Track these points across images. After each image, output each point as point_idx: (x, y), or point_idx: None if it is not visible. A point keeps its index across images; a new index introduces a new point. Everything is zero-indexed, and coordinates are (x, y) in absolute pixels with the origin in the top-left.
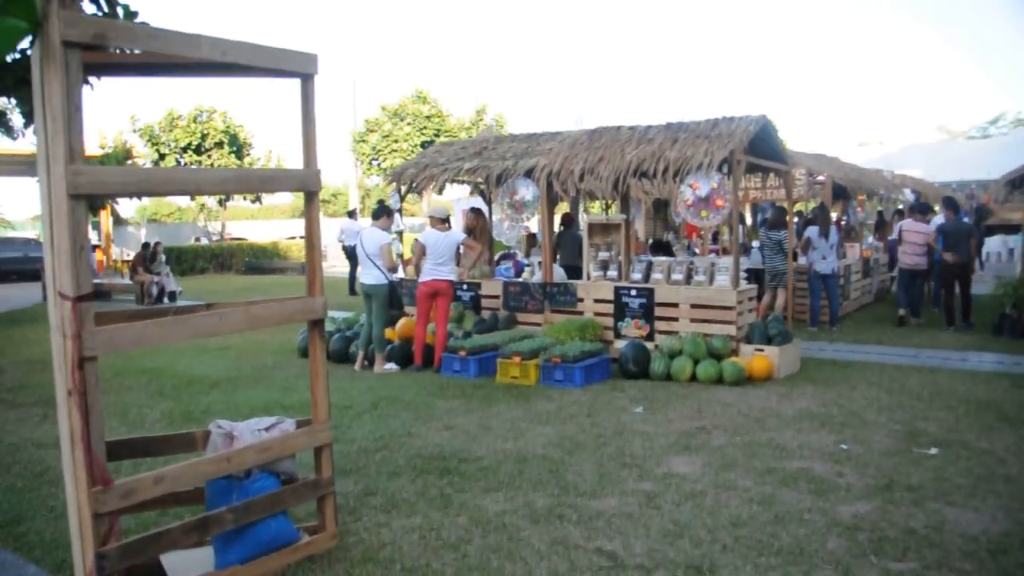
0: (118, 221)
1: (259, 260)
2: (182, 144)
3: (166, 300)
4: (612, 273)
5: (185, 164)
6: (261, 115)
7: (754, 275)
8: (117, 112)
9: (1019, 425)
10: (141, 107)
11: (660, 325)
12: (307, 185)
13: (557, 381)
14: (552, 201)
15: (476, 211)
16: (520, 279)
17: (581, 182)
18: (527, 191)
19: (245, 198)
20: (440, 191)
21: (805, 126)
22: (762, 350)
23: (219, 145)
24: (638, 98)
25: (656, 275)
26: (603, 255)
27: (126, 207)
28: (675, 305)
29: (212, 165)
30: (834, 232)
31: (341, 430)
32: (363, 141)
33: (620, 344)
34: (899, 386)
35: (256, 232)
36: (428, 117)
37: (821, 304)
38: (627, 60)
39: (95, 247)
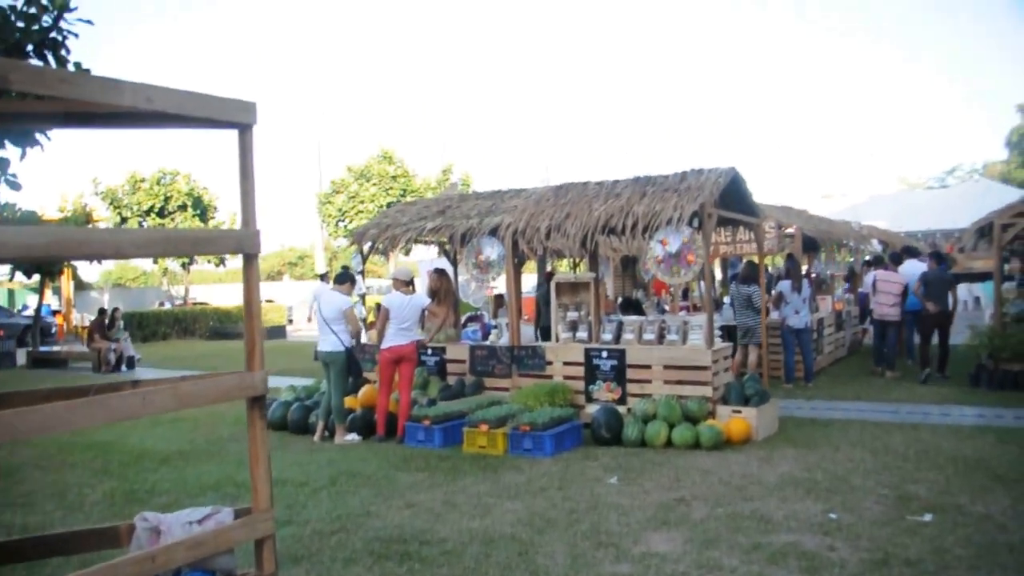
0: (80, 286)
1: (224, 325)
2: (145, 207)
3: (124, 368)
4: (582, 334)
5: (148, 227)
6: (226, 177)
7: (726, 332)
8: (79, 174)
9: (1012, 485)
10: (104, 169)
11: (633, 388)
12: (244, 247)
13: (526, 450)
14: (520, 260)
15: (440, 272)
16: (487, 342)
17: (548, 240)
18: (492, 250)
19: (208, 261)
20: (407, 252)
21: (769, 179)
22: (739, 411)
23: (183, 208)
24: (605, 152)
25: (627, 335)
26: (572, 315)
27: (89, 271)
28: (648, 367)
29: (176, 228)
30: (806, 285)
31: (295, 510)
32: (329, 202)
33: (592, 409)
34: (883, 445)
35: (222, 296)
36: (394, 177)
37: (795, 360)
38: (593, 114)
39: (54, 312)
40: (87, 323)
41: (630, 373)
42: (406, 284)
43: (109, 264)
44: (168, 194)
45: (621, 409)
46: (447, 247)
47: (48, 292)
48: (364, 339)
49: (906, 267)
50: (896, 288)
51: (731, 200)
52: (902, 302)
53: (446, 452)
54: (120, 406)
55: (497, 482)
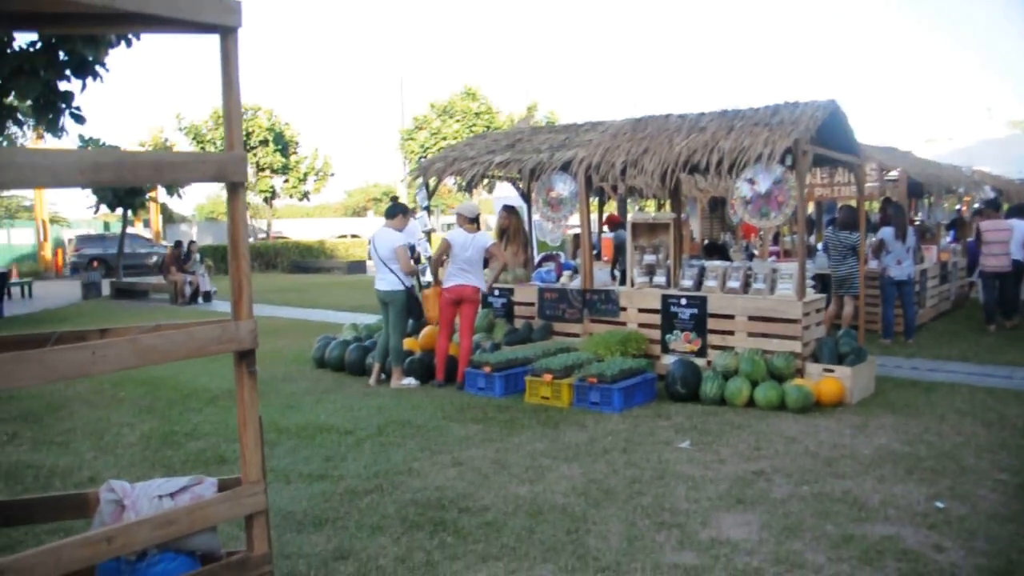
0: (170, 218)
1: (305, 259)
2: None
3: (200, 301)
4: (659, 279)
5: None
6: (311, 114)
7: (819, 281)
8: (164, 111)
9: None
10: (189, 106)
11: (713, 339)
12: (227, 173)
13: (593, 404)
14: (599, 199)
15: (509, 209)
16: (557, 284)
17: (624, 177)
18: (564, 187)
19: (291, 196)
20: (490, 189)
21: (869, 121)
22: (832, 371)
23: (264, 143)
24: (695, 90)
25: (709, 282)
26: (649, 259)
27: (183, 204)
28: (731, 317)
29: (257, 163)
30: (911, 233)
31: (333, 463)
32: (411, 139)
33: (668, 360)
34: (997, 417)
35: (306, 230)
36: (477, 114)
37: (895, 313)
38: (683, 51)
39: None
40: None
41: (711, 323)
42: (470, 221)
43: (201, 197)
44: (250, 129)
45: (700, 362)
46: (520, 183)
47: (140, 225)
48: (427, 278)
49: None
50: (1004, 236)
51: (829, 138)
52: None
53: (506, 402)
54: (64, 363)
55: (556, 440)
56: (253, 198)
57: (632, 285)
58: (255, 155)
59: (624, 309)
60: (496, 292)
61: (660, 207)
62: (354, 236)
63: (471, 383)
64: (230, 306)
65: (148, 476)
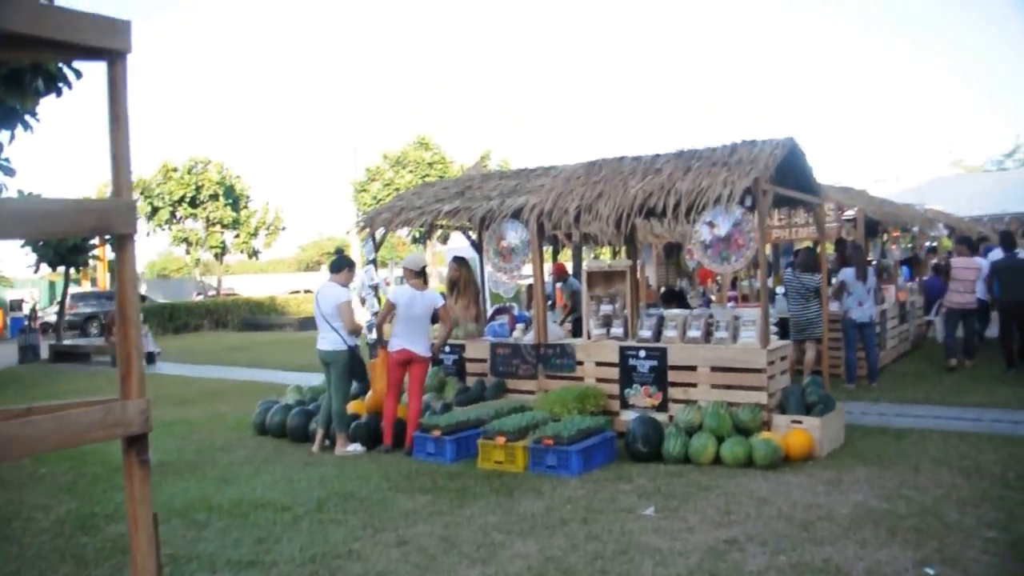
0: None
1: (255, 316)
2: (176, 196)
3: (143, 363)
4: (616, 330)
5: (180, 217)
6: (260, 166)
7: (779, 325)
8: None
9: None
10: (135, 160)
11: (675, 392)
12: (112, 224)
13: (550, 468)
14: (553, 248)
15: (459, 260)
16: (510, 339)
17: (578, 223)
18: (516, 235)
19: (242, 251)
20: (444, 240)
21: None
22: (800, 422)
23: (214, 197)
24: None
25: (669, 332)
26: (605, 309)
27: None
28: (693, 368)
29: (207, 218)
30: (871, 274)
31: (265, 546)
32: (364, 191)
33: (628, 416)
34: (973, 465)
35: (257, 286)
36: (430, 163)
37: (857, 357)
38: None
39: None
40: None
41: (672, 376)
42: (416, 275)
43: (153, 255)
44: (200, 183)
45: (662, 417)
46: (471, 232)
47: (87, 284)
48: (372, 336)
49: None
50: (972, 275)
51: (788, 176)
52: (988, 288)
53: (458, 468)
54: None
55: (511, 511)
56: (203, 254)
57: (588, 337)
58: (205, 209)
59: (580, 363)
60: (447, 348)
61: (616, 254)
62: (307, 291)
63: (420, 448)
64: (176, 367)
65: (55, 570)
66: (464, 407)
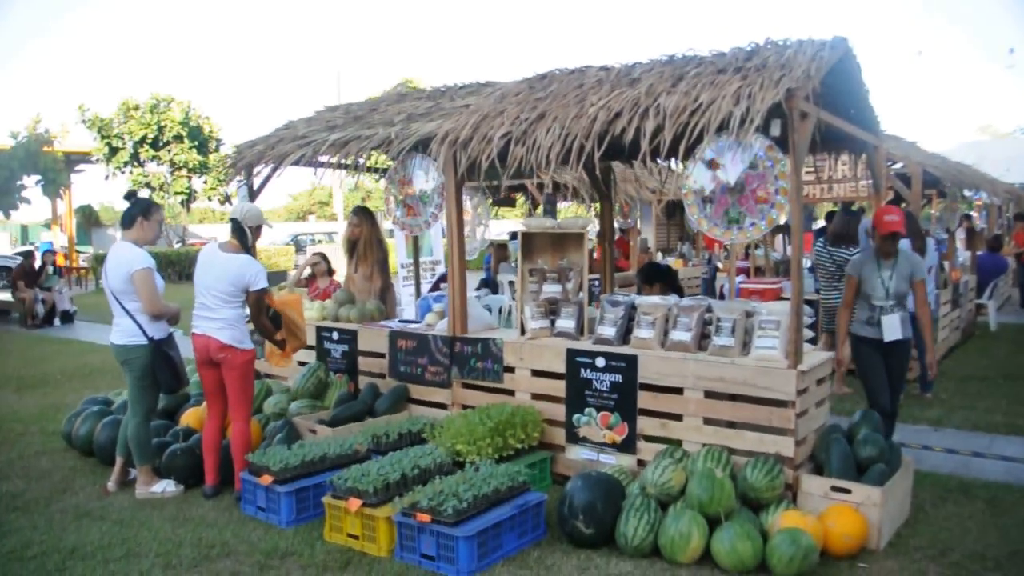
0: (94, 222)
1: None
2: (137, 136)
3: (57, 321)
4: (566, 323)
5: (142, 160)
6: (236, 104)
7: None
8: (66, 101)
9: None
10: (93, 96)
11: (648, 425)
12: None
13: (425, 558)
14: (498, 196)
15: (361, 212)
16: (416, 326)
17: (504, 162)
18: (426, 177)
19: (210, 198)
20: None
21: None
22: (847, 490)
23: (178, 139)
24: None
25: (643, 331)
26: (550, 290)
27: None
28: (677, 391)
29: (171, 161)
30: (931, 248)
31: None
32: None
33: (576, 454)
34: None
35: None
36: None
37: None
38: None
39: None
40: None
41: (645, 399)
42: (236, 233)
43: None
44: (161, 123)
45: (626, 461)
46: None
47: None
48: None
49: None
50: None
51: (834, 101)
52: None
53: (295, 537)
54: None
55: None
56: (169, 200)
57: (523, 333)
58: (168, 152)
59: (510, 370)
60: (334, 335)
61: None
62: (287, 244)
63: (248, 497)
64: (95, 329)
65: None
66: (338, 426)
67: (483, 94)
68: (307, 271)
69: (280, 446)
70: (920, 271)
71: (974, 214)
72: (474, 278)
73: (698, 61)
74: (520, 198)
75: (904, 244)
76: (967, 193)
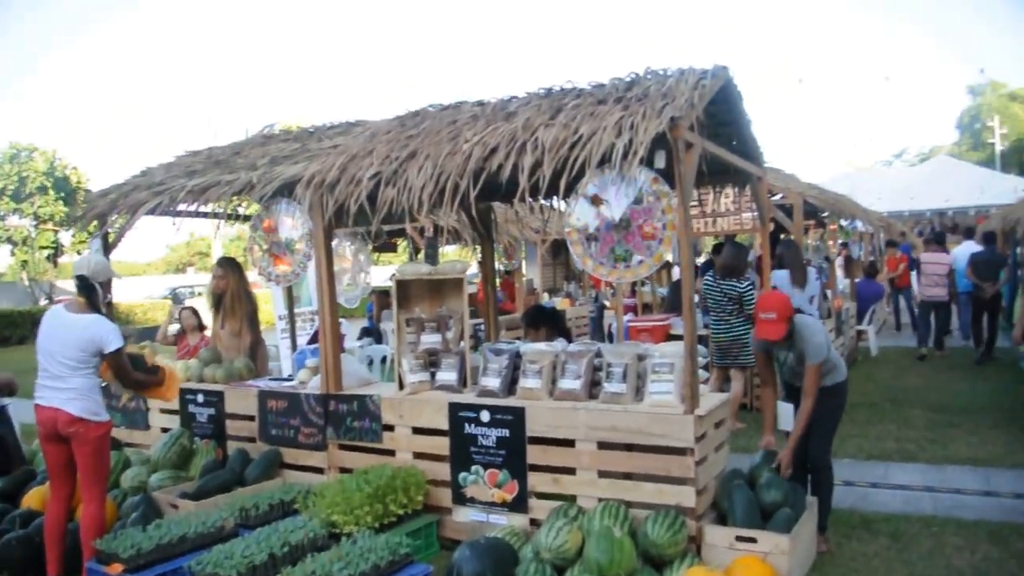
0: None
1: None
2: None
3: None
4: (447, 375)
5: (1, 213)
6: (103, 153)
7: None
8: None
9: None
10: None
11: (539, 481)
12: None
13: None
14: (379, 244)
15: (226, 263)
16: (287, 385)
17: (373, 204)
18: (292, 223)
19: (79, 252)
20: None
21: None
22: (753, 539)
23: (42, 190)
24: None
25: (529, 380)
26: (429, 340)
27: None
28: (568, 443)
29: (35, 214)
30: (813, 277)
31: None
32: None
33: (464, 516)
34: None
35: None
36: None
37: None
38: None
39: None
40: None
41: (534, 454)
42: (84, 292)
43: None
44: (24, 173)
45: (517, 522)
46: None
47: None
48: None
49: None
50: (943, 269)
51: (717, 131)
52: (950, 283)
53: None
54: None
55: None
56: (35, 256)
57: (402, 387)
58: (31, 204)
59: (390, 428)
60: (199, 398)
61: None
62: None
63: None
64: None
65: None
66: (204, 498)
67: (352, 134)
68: (174, 327)
69: (135, 527)
70: (812, 356)
71: (852, 242)
72: (357, 326)
73: (577, 92)
74: (403, 243)
75: (782, 275)
76: (843, 223)
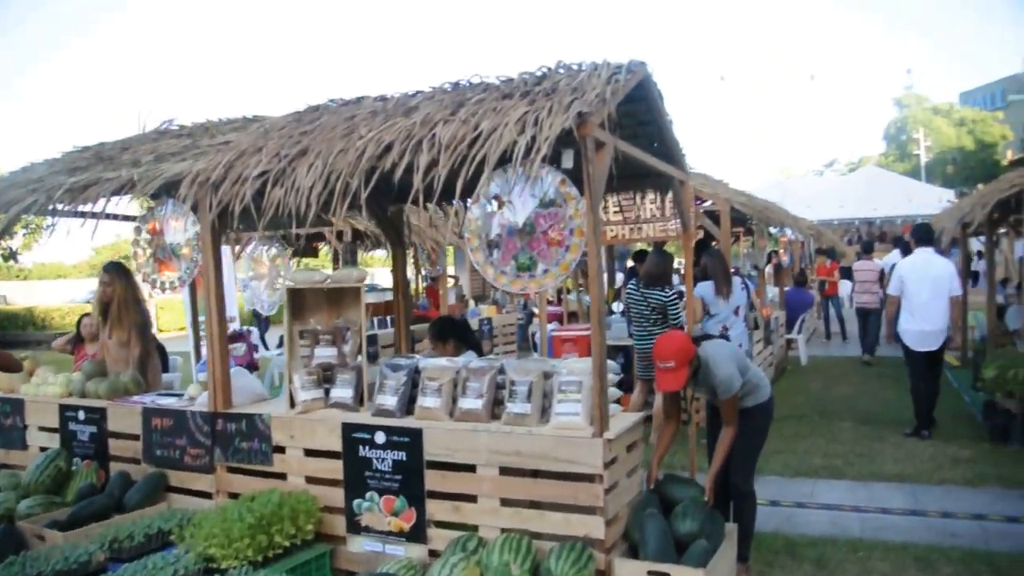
0: None
1: (5, 331)
2: None
3: None
4: (342, 392)
5: None
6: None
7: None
8: None
9: None
10: None
11: (438, 509)
12: None
13: None
14: (298, 249)
15: (114, 269)
16: (175, 402)
17: (260, 205)
18: (179, 227)
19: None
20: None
21: None
22: (666, 574)
23: None
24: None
25: (428, 399)
26: (324, 354)
27: None
28: (469, 468)
29: None
30: (739, 286)
31: None
32: None
33: (359, 545)
34: None
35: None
36: None
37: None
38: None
39: None
40: None
41: (432, 479)
42: None
43: None
44: None
45: (414, 552)
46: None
47: None
48: None
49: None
50: (873, 276)
51: (635, 132)
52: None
53: None
54: None
55: None
56: None
57: (293, 406)
58: None
59: (281, 450)
60: (80, 414)
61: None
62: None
63: None
64: None
65: None
66: (76, 527)
67: (248, 130)
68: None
69: None
70: (722, 391)
71: (780, 250)
72: (276, 334)
73: (484, 87)
74: (324, 248)
75: (707, 287)
76: (773, 230)
